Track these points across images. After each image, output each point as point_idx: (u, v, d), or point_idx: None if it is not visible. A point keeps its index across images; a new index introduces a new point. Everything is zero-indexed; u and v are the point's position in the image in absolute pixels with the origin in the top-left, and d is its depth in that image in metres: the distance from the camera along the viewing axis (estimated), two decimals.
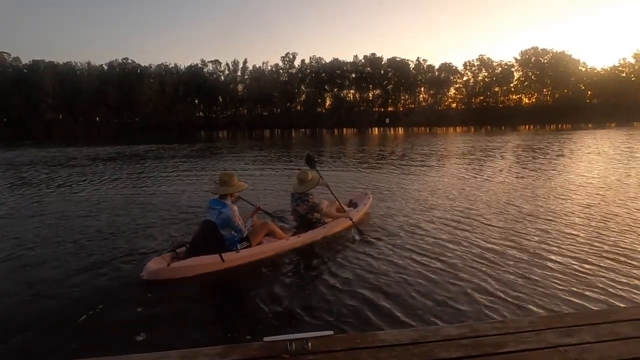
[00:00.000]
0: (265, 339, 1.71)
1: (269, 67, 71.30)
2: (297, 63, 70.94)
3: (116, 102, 59.96)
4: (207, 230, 3.85)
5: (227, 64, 71.37)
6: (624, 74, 67.29)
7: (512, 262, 3.76)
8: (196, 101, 70.69)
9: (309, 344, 1.68)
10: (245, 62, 71.26)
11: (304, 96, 72.07)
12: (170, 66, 69.12)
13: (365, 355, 1.62)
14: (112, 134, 46.65)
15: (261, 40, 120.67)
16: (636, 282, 3.27)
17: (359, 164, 13.06)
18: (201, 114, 72.63)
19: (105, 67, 65.68)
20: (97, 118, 61.81)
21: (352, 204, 5.69)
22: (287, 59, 70.93)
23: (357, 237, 4.64)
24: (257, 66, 71.51)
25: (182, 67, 69.87)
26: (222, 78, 71.41)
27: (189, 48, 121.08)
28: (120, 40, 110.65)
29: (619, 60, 69.04)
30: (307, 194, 4.73)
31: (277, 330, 2.61)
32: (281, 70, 71.35)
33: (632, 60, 67.19)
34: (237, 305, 3.15)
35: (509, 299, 3.00)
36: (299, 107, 72.61)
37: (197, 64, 69.59)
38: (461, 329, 1.82)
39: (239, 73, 71.66)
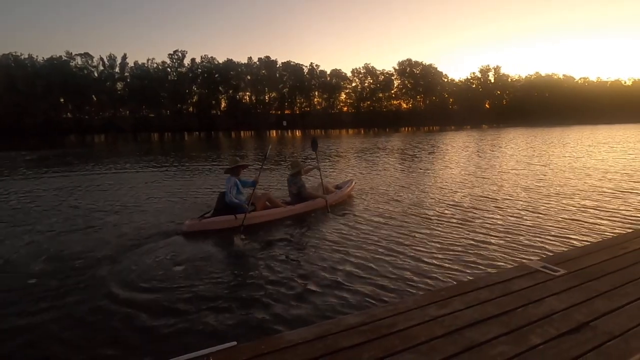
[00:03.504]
0: None
1: (155, 65, 65.06)
2: (186, 62, 66.46)
3: None
4: (222, 199, 5.34)
5: (101, 59, 62.49)
6: (474, 85, 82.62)
7: (393, 249, 4.20)
8: (62, 100, 59.81)
9: (210, 359, 1.58)
10: (124, 57, 63.47)
11: (196, 97, 67.87)
12: (22, 57, 57.08)
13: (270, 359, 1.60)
14: None
15: (143, 35, 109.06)
16: (491, 254, 4.01)
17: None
18: (69, 115, 61.77)
19: None
20: None
21: (338, 187, 7.06)
22: (176, 57, 65.81)
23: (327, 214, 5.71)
24: (141, 63, 64.51)
25: (40, 58, 58.52)
26: (96, 74, 62.19)
27: (47, 37, 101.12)
28: None
29: (470, 74, 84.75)
30: (297, 177, 6.22)
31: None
32: (169, 69, 65.78)
33: (479, 74, 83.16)
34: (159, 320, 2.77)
35: (398, 282, 3.35)
36: (191, 109, 68.07)
37: (60, 57, 59.08)
38: (359, 317, 1.95)
39: (117, 69, 63.40)
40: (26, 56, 57.43)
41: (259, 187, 6.00)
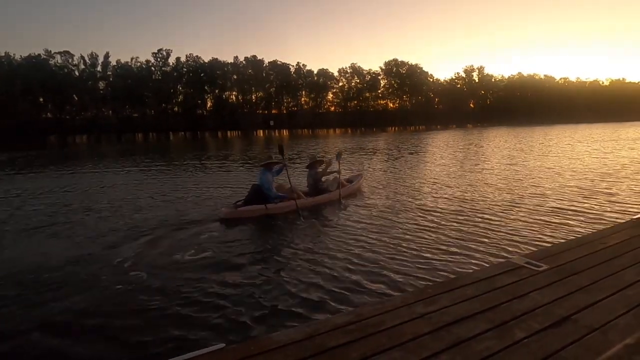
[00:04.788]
0: None
1: (138, 64, 63.69)
2: (171, 61, 65.33)
3: None
4: (254, 190, 6.00)
5: (82, 57, 60.83)
6: (459, 85, 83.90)
7: (379, 249, 4.23)
8: (41, 99, 57.92)
9: None
10: (107, 56, 61.92)
11: (181, 97, 66.79)
12: None
13: None
14: None
15: (127, 34, 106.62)
16: (477, 252, 4.08)
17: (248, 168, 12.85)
18: (49, 115, 59.87)
19: None
20: None
21: (349, 181, 7.74)
22: (160, 55, 64.60)
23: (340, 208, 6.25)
24: (124, 61, 63.06)
25: (17, 57, 56.55)
26: (77, 73, 60.50)
27: (24, 35, 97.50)
28: None
29: (454, 74, 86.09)
30: (314, 170, 7.01)
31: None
32: (153, 68, 64.51)
33: (463, 74, 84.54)
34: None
35: (385, 281, 3.38)
36: (176, 109, 66.96)
37: (39, 55, 57.23)
38: (347, 316, 1.96)
39: (99, 68, 61.82)
40: (2, 54, 55.50)
41: (280, 180, 6.89)
